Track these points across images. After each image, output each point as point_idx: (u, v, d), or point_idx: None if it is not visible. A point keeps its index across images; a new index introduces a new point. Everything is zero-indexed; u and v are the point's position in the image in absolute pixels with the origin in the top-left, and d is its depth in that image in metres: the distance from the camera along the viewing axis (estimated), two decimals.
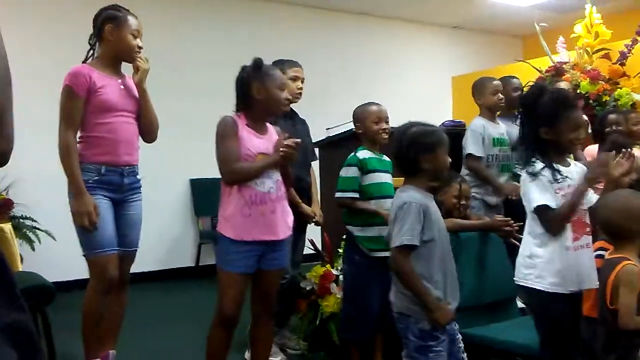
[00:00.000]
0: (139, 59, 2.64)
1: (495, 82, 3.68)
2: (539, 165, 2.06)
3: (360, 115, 2.81)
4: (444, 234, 2.10)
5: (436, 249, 2.05)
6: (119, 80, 2.65)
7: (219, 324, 2.40)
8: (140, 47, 2.65)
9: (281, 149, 2.32)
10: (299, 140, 2.39)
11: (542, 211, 2.04)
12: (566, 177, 2.05)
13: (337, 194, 2.73)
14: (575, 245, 2.06)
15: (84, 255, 2.56)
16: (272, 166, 2.35)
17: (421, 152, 2.05)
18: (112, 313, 2.68)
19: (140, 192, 2.75)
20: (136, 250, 2.75)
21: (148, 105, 2.70)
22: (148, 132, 2.75)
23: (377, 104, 2.84)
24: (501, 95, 3.65)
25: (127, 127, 2.63)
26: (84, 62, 2.63)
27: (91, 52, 2.67)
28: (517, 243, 2.39)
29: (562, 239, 2.05)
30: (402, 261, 2.01)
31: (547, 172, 2.04)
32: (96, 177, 2.54)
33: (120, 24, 2.59)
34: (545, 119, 2.06)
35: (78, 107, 2.51)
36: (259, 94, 2.37)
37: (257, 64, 2.39)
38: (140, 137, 2.76)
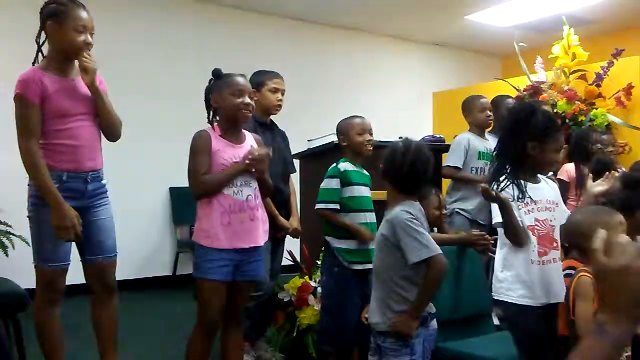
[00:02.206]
0: (84, 59, 2.41)
1: (482, 100, 3.79)
2: (503, 183, 2.14)
3: (344, 127, 2.84)
4: None
5: None
6: (72, 81, 2.47)
7: (200, 331, 2.41)
8: (87, 43, 2.42)
9: (247, 160, 2.34)
10: (266, 151, 2.39)
11: (501, 226, 2.14)
12: (529, 196, 2.13)
13: (318, 205, 2.75)
14: (542, 260, 2.13)
15: (36, 264, 2.46)
16: (236, 175, 2.35)
17: (418, 173, 2.13)
18: (106, 322, 2.62)
19: (107, 197, 2.62)
20: (116, 255, 2.66)
21: (104, 106, 2.50)
22: (109, 132, 2.59)
23: (361, 116, 2.87)
24: (489, 113, 3.74)
25: (87, 130, 2.49)
26: (33, 62, 2.49)
27: (39, 52, 2.49)
28: (493, 255, 2.47)
29: (528, 252, 2.12)
30: None
31: (510, 189, 2.12)
32: (57, 185, 2.40)
33: (62, 20, 2.38)
34: (537, 135, 2.13)
35: (35, 115, 2.36)
36: (216, 102, 2.42)
37: (215, 74, 2.45)
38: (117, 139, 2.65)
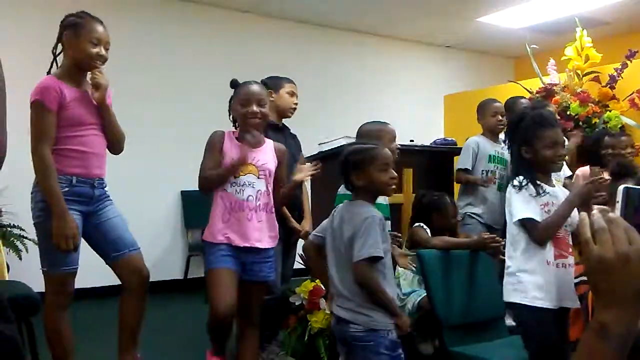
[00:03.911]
0: (95, 74, 2.49)
1: (495, 104, 3.83)
2: (523, 179, 2.16)
3: (376, 133, 2.73)
4: (388, 248, 2.16)
5: (387, 261, 2.12)
6: (86, 92, 2.54)
7: (211, 325, 2.40)
8: (100, 55, 2.50)
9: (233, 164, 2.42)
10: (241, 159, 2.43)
11: (526, 222, 2.12)
12: (548, 193, 2.15)
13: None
14: (556, 263, 2.12)
15: (45, 270, 2.49)
16: (229, 173, 2.42)
17: (352, 170, 2.13)
18: (134, 318, 2.62)
19: (110, 200, 2.66)
20: (140, 249, 2.67)
21: (112, 121, 2.59)
22: (114, 145, 2.67)
23: (387, 122, 2.81)
24: (501, 117, 3.76)
25: (97, 140, 2.56)
26: (48, 72, 2.55)
27: (55, 62, 2.57)
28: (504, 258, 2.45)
29: (543, 254, 2.11)
30: (370, 272, 2.03)
31: (530, 186, 2.14)
32: (67, 189, 2.45)
33: (78, 31, 2.47)
34: (524, 139, 2.20)
35: (51, 121, 2.41)
36: (233, 110, 2.56)
37: (232, 84, 2.58)
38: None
